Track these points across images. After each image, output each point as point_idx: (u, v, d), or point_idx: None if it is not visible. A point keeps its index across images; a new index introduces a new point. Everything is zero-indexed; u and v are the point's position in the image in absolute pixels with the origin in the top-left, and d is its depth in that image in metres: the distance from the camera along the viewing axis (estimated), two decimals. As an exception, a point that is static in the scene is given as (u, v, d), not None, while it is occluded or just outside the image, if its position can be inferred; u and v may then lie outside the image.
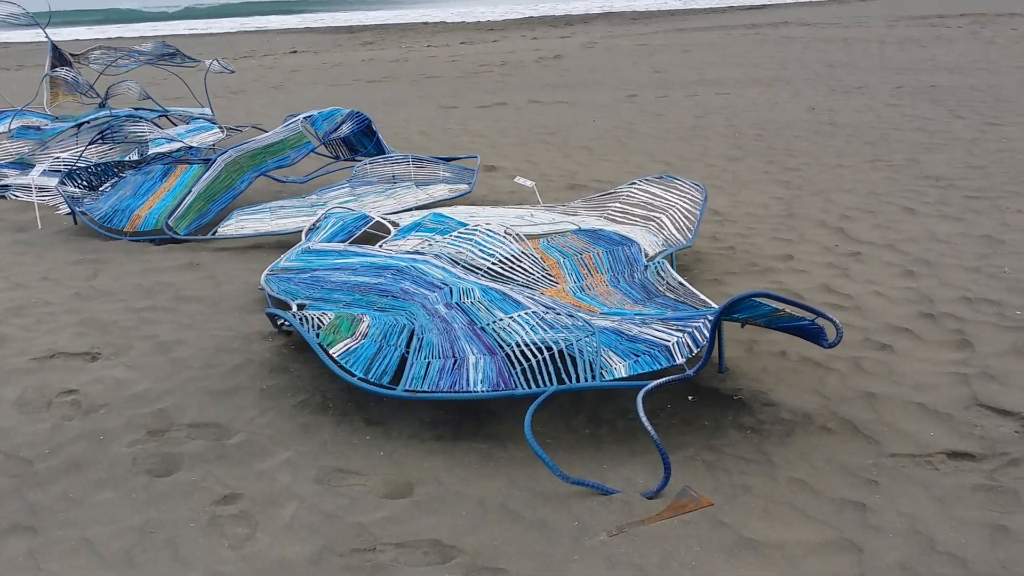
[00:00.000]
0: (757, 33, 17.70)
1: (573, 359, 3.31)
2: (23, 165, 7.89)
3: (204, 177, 6.34)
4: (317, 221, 5.62)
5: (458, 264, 4.55)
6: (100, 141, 7.40)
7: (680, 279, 4.16)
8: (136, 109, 9.00)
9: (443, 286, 4.21)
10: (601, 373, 3.21)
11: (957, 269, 4.70)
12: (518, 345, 3.43)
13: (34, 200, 6.77)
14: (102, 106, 9.25)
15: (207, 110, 9.23)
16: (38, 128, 8.43)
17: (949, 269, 4.70)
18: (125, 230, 6.11)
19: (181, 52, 9.62)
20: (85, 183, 6.55)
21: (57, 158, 7.61)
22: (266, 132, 7.65)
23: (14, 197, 7.25)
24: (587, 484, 2.92)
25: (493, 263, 4.52)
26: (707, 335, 3.12)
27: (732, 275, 4.82)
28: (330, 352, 3.45)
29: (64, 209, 6.79)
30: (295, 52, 21.35)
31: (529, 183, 5.83)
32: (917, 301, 4.31)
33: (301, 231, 5.71)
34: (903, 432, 3.16)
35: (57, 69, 9.66)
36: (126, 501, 3.00)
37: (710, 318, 3.17)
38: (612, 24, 24.03)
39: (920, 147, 7.54)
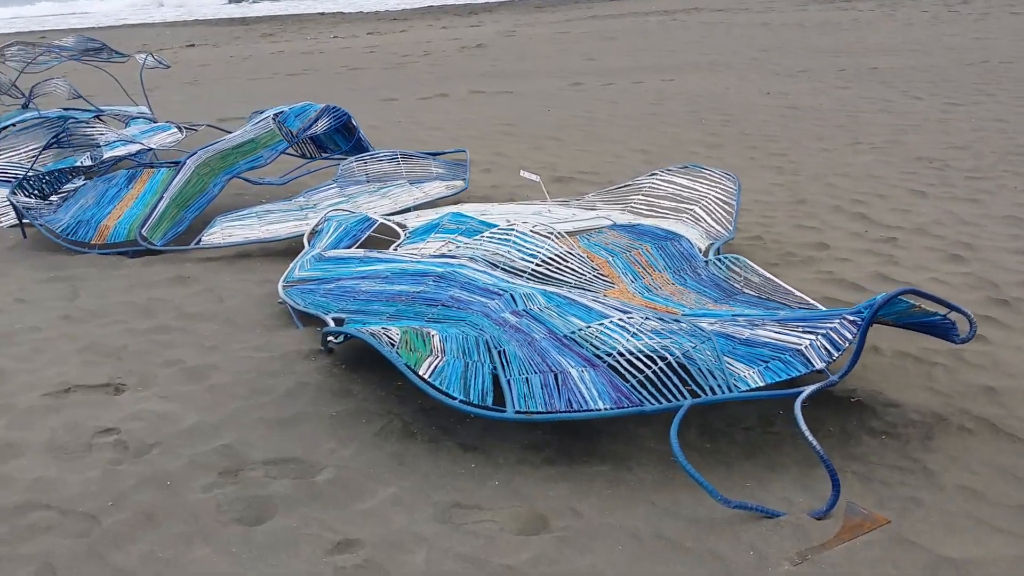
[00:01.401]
0: (673, 19, 17.72)
1: (686, 368, 3.06)
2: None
3: (174, 182, 5.84)
4: (318, 225, 5.24)
5: (497, 267, 4.25)
6: (55, 145, 6.78)
7: (765, 273, 3.94)
8: (66, 109, 8.34)
9: (501, 292, 3.90)
10: (733, 383, 2.97)
11: (1001, 252, 4.63)
12: (620, 355, 3.16)
13: None
14: (25, 107, 8.55)
15: (144, 108, 8.63)
16: None
17: (993, 252, 4.63)
18: (92, 243, 5.56)
19: (108, 47, 8.95)
20: (37, 192, 5.98)
21: None
22: (225, 131, 7.17)
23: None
24: (750, 508, 2.67)
25: (536, 264, 4.23)
26: (847, 337, 2.92)
27: (775, 267, 4.64)
28: (419, 372, 3.13)
29: (7, 221, 6.19)
30: (192, 46, 20.43)
31: (534, 177, 5.55)
32: (980, 287, 4.21)
33: (293, 237, 5.32)
34: (1047, 428, 3.03)
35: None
36: (227, 557, 2.62)
37: (848, 317, 2.96)
38: (517, 12, 23.74)
39: (895, 129, 7.54)
